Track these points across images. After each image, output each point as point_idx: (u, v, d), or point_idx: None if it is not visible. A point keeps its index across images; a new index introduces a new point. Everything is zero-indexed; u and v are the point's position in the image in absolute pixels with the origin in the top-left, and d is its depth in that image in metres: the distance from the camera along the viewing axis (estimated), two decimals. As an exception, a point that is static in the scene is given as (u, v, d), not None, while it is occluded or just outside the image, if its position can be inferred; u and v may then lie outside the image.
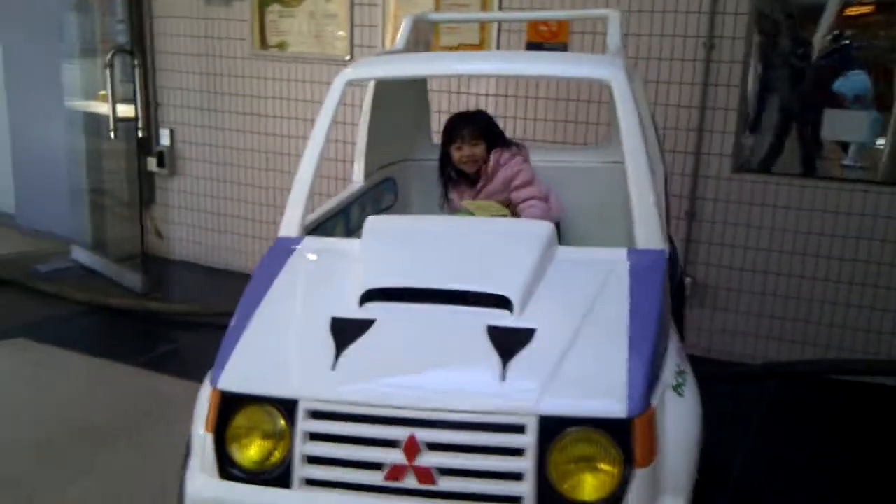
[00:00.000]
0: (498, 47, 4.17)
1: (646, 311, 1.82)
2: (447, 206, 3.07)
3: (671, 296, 2.55)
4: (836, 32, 3.65)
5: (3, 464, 2.92)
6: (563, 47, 3.99)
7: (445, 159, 3.02)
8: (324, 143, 2.30)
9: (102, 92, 4.89)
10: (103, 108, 4.92)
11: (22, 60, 5.88)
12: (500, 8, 4.09)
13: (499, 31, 4.15)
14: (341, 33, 4.56)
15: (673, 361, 1.88)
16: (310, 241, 2.21)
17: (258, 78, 4.87)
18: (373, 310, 1.87)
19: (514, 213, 2.87)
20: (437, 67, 2.66)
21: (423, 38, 3.15)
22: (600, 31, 3.91)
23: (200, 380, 1.96)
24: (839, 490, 2.93)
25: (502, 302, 1.84)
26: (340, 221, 2.62)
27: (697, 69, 3.84)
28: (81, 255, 5.28)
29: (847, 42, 3.65)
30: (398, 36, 2.95)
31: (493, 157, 2.90)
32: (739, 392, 3.67)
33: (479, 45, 4.21)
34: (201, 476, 1.79)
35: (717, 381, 3.68)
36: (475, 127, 2.92)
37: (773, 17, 3.75)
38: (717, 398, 3.44)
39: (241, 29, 4.85)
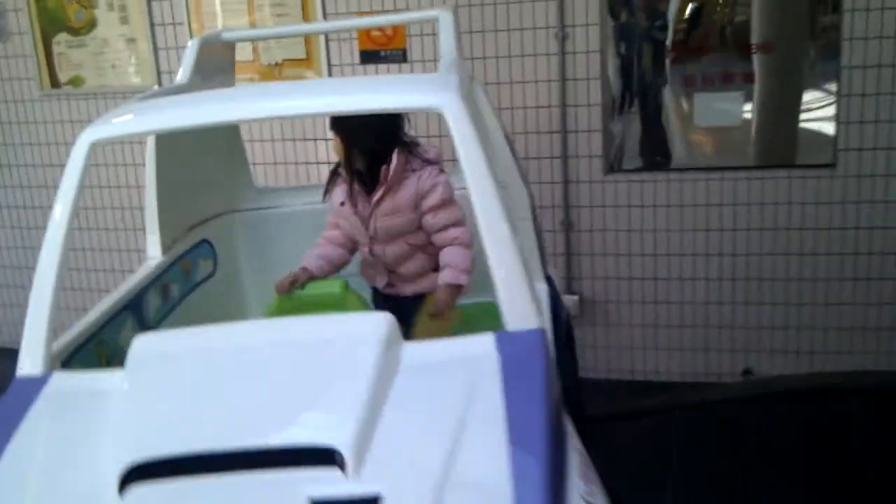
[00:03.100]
0: (328, 60, 3.63)
1: (531, 436, 1.32)
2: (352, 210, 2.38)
3: (560, 347, 2.09)
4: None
5: None
6: (402, 54, 3.48)
7: None
8: (68, 227, 1.70)
9: None
10: None
11: None
12: (325, 15, 3.54)
13: (327, 41, 3.60)
14: (144, 59, 3.88)
15: (577, 491, 1.39)
16: (59, 379, 1.59)
17: (53, 122, 4.12)
18: (138, 497, 1.28)
19: (427, 246, 2.34)
20: (206, 114, 1.84)
21: (221, 61, 2.56)
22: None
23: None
24: None
25: (328, 457, 1.30)
26: (130, 321, 2.01)
27: (552, 64, 3.42)
28: None
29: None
30: (182, 65, 2.35)
31: (396, 160, 2.26)
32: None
33: (307, 60, 3.65)
34: None
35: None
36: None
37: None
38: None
39: (26, 66, 4.08)
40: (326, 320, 1.69)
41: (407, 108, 2.10)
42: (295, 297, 2.18)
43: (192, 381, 1.48)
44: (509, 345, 1.52)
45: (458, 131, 1.70)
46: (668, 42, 3.34)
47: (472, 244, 2.26)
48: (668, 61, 3.36)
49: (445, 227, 2.30)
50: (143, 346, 1.57)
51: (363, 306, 2.22)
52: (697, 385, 3.51)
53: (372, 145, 2.27)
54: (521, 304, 1.58)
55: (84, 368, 1.82)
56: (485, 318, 2.80)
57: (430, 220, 2.30)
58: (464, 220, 2.32)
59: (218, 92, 2.15)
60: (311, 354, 1.51)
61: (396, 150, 2.27)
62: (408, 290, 2.40)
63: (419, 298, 2.35)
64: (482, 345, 1.53)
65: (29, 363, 1.61)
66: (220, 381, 1.47)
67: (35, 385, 1.56)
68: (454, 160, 2.91)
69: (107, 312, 1.95)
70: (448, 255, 2.27)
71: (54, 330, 1.68)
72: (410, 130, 2.38)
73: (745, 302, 3.47)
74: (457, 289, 2.21)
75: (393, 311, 1.65)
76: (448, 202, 2.31)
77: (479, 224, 1.64)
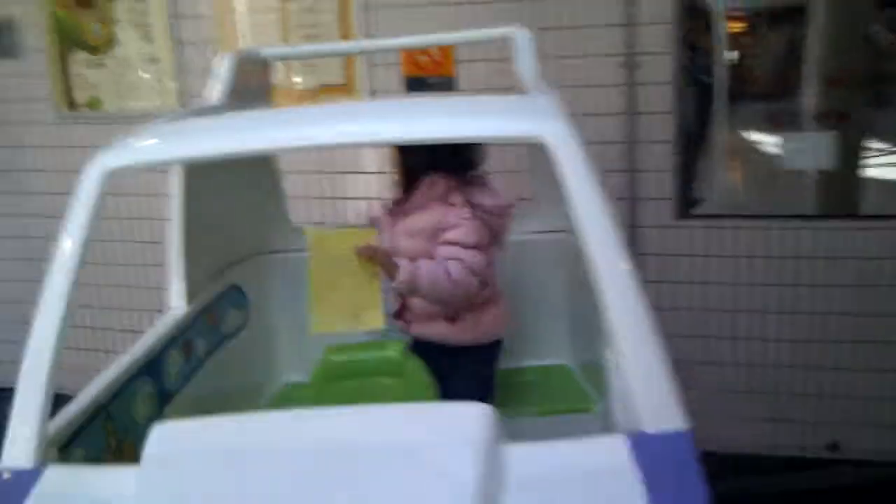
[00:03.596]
0: (371, 87, 3.29)
1: None
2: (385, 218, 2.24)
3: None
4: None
5: None
6: (449, 82, 3.14)
7: None
8: (75, 273, 1.34)
9: None
10: None
11: None
12: (367, 35, 3.21)
13: (369, 65, 3.27)
14: (170, 83, 3.57)
15: None
16: (54, 475, 1.22)
17: (69, 147, 3.79)
18: None
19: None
20: (253, 140, 1.47)
21: (257, 82, 2.23)
22: (492, 57, 3.10)
23: None
24: None
25: None
26: (147, 387, 1.64)
27: (619, 95, 3.07)
28: None
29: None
30: (212, 83, 2.01)
31: (430, 184, 2.07)
32: None
33: (346, 87, 3.32)
34: None
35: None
36: None
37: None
38: None
39: (41, 87, 3.77)
40: (399, 412, 1.30)
41: (501, 137, 1.74)
42: (345, 362, 1.81)
43: (225, 496, 1.10)
44: (651, 453, 1.13)
45: (569, 166, 1.34)
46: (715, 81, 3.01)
47: (458, 290, 1.99)
48: (719, 100, 3.03)
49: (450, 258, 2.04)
50: (164, 440, 1.20)
51: (424, 375, 1.85)
52: (774, 459, 3.11)
53: (425, 168, 2.06)
54: (660, 395, 1.21)
55: (89, 452, 1.45)
56: (548, 385, 2.42)
57: (440, 251, 2.06)
58: (478, 268, 2.03)
59: (263, 113, 1.79)
60: (384, 463, 1.12)
61: (438, 175, 2.05)
62: (416, 329, 2.17)
63: (436, 349, 2.07)
64: (613, 451, 1.15)
65: (17, 451, 1.24)
66: (260, 497, 1.08)
67: (23, 482, 1.20)
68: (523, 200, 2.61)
69: (118, 379, 1.58)
70: (426, 263, 2.03)
71: (55, 379, 1.31)
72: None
73: (835, 367, 3.06)
74: (395, 270, 1.99)
75: None
76: (468, 246, 2.04)
77: (600, 287, 1.28)
